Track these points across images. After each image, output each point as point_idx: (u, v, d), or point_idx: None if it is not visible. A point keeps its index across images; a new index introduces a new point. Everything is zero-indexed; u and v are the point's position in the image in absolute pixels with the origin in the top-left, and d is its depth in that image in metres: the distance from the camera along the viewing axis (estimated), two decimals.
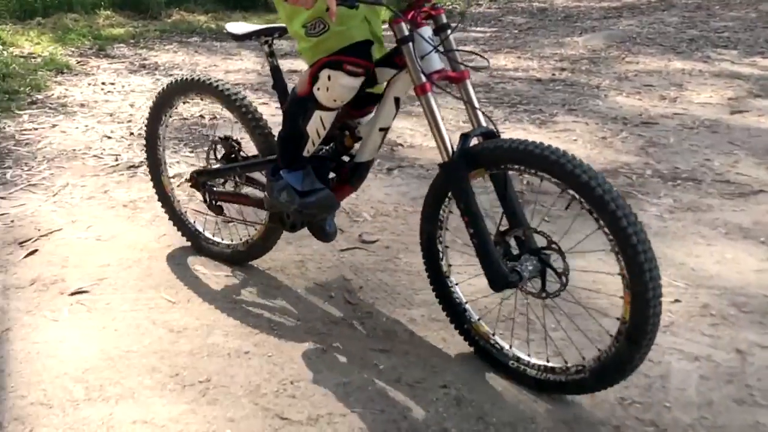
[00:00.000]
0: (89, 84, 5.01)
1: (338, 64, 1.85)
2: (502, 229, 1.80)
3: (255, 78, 5.24)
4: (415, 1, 1.82)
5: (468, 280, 2.04)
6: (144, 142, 2.63)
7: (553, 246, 1.73)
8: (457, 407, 1.79)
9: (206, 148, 2.51)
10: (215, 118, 4.11)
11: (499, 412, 1.77)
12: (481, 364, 1.95)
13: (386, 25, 1.88)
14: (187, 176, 2.63)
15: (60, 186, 3.19)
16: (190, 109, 4.25)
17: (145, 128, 2.62)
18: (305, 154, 2.08)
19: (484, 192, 1.91)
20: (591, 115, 4.29)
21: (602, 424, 1.73)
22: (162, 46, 6.53)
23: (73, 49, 6.11)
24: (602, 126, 4.08)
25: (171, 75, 5.06)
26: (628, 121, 4.16)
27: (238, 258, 2.48)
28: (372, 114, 2.11)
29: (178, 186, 3.00)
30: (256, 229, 2.41)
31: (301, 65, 5.03)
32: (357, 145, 2.10)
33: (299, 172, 2.08)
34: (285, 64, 5.36)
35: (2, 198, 3.06)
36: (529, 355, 1.89)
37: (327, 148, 2.16)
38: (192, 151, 3.63)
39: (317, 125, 2.00)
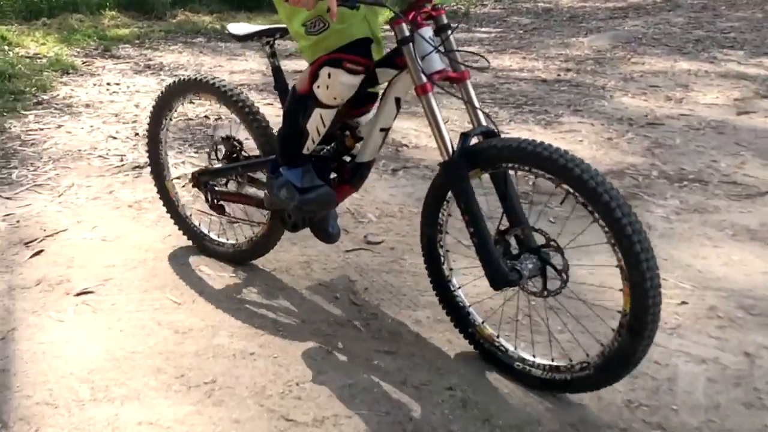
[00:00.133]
0: (94, 84, 5.03)
1: (338, 62, 1.86)
2: (502, 228, 1.82)
3: (260, 78, 5.24)
4: (415, 2, 1.83)
5: (473, 281, 2.03)
6: (146, 147, 2.64)
7: (552, 243, 1.74)
8: (463, 409, 1.78)
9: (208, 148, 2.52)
10: (220, 118, 4.11)
11: (505, 414, 1.77)
12: (486, 366, 1.95)
13: (386, 26, 1.88)
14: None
15: (65, 186, 3.20)
16: (195, 109, 4.26)
17: (146, 133, 2.62)
18: (305, 151, 2.09)
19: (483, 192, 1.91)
20: (596, 116, 4.28)
21: (609, 427, 1.72)
22: (167, 46, 6.54)
23: (78, 49, 6.12)
24: (608, 127, 4.07)
25: (176, 75, 5.06)
26: (634, 121, 4.14)
27: (240, 257, 2.49)
28: (370, 113, 2.13)
29: (183, 187, 3.00)
30: (258, 229, 2.41)
31: (306, 66, 5.02)
32: (358, 146, 2.11)
33: (299, 169, 2.09)
34: (290, 65, 5.36)
35: (8, 198, 3.07)
36: (534, 356, 1.88)
37: (328, 148, 2.17)
38: (197, 152, 3.63)
39: (317, 123, 2.02)
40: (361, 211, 2.94)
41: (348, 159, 2.15)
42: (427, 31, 1.82)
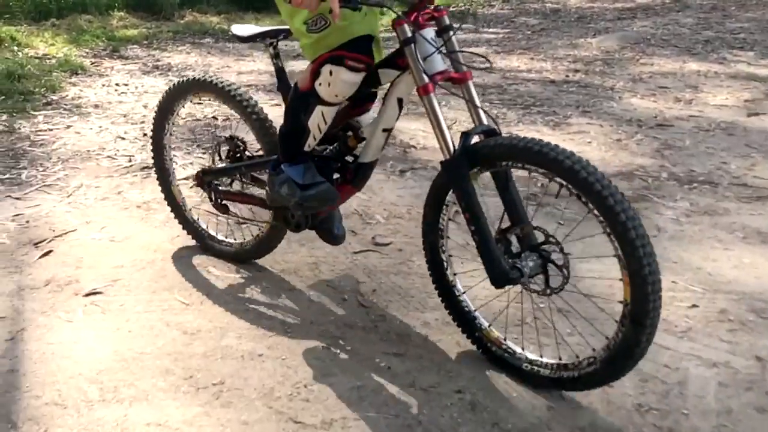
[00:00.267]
0: (103, 85, 5.04)
1: (340, 60, 1.87)
2: (503, 226, 1.82)
3: (268, 79, 5.24)
4: (418, 3, 1.84)
5: (480, 283, 2.02)
6: (152, 152, 2.64)
7: (551, 239, 1.75)
8: (472, 412, 1.77)
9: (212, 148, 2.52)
10: (228, 118, 4.12)
11: (514, 417, 1.76)
12: (495, 369, 1.94)
13: (387, 26, 1.88)
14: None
15: (74, 187, 3.21)
16: (203, 110, 4.26)
17: (151, 137, 2.63)
18: (306, 148, 2.10)
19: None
20: (605, 117, 4.26)
21: (619, 431, 1.71)
22: (175, 47, 6.56)
23: (87, 50, 6.15)
24: (617, 128, 4.05)
25: (184, 76, 5.08)
26: (643, 123, 4.12)
27: (244, 256, 2.50)
28: (369, 112, 2.15)
29: (191, 188, 3.00)
30: (261, 228, 2.42)
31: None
32: (360, 146, 2.12)
33: (300, 166, 2.10)
34: (297, 65, 5.36)
35: (17, 198, 3.08)
36: (541, 356, 1.88)
37: (331, 148, 2.18)
38: (204, 153, 3.64)
39: (318, 120, 2.02)
40: (369, 213, 2.94)
41: (351, 159, 2.16)
42: (429, 32, 1.82)
